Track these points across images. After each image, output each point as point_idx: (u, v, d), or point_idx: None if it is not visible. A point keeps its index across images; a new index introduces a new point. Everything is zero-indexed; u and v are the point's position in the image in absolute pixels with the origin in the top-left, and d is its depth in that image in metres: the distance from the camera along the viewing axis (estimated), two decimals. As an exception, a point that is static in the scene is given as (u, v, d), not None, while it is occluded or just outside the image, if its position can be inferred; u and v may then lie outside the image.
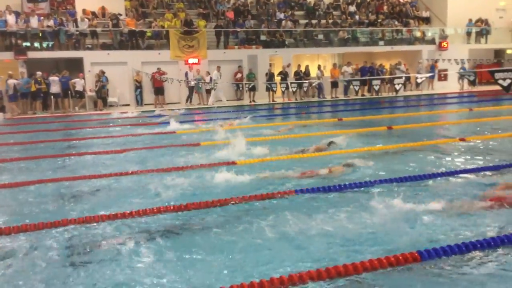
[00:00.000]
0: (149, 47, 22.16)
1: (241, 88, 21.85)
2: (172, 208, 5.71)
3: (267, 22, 24.77)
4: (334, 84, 23.06)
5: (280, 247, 4.60)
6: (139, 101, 21.20)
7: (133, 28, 21.76)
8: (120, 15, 22.48)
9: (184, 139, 11.56)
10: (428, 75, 19.26)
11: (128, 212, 5.59)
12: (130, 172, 7.84)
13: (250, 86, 21.43)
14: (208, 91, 21.48)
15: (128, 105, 21.24)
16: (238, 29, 23.84)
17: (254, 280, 3.71)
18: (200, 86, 21.12)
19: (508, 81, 6.64)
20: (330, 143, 9.34)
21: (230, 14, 24.69)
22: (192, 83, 21.00)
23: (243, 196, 6.02)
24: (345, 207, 5.57)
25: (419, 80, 14.41)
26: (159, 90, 21.01)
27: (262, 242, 4.70)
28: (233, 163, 8.21)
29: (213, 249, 4.58)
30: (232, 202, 5.87)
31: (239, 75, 22.29)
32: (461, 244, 4.28)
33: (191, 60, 21.96)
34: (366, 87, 23.50)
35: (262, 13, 25.75)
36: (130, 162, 8.89)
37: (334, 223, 5.10)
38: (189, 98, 21.48)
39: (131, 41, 21.74)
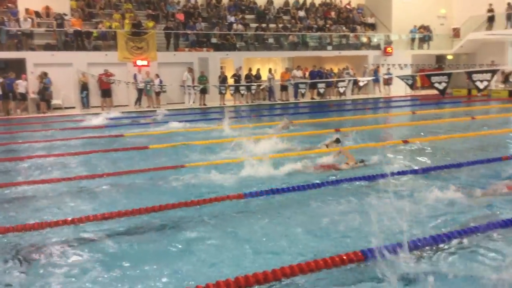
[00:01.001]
0: (96, 48, 21.55)
1: (195, 92, 21.69)
2: (114, 214, 5.56)
3: (218, 25, 24.73)
4: (284, 88, 23.35)
5: (222, 250, 4.59)
6: (85, 103, 20.56)
7: (79, 29, 21.09)
8: (66, 15, 21.74)
9: (132, 142, 11.33)
10: (369, 78, 20.02)
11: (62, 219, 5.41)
12: (73, 177, 7.59)
13: (200, 89, 21.32)
14: (158, 93, 21.17)
15: (74, 107, 20.55)
16: (189, 31, 23.65)
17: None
18: (148, 88, 20.77)
19: (444, 84, 6.97)
20: (337, 140, 9.75)
21: (180, 16, 24.45)
22: (141, 86, 20.61)
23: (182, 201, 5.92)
24: (291, 209, 5.65)
25: (361, 84, 14.89)
26: (106, 92, 20.46)
27: (200, 247, 4.69)
28: (182, 166, 8.12)
29: (146, 257, 4.53)
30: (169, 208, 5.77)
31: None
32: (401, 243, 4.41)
33: (139, 62, 21.53)
34: (315, 91, 23.92)
35: (212, 16, 25.68)
36: (73, 166, 8.61)
37: (280, 225, 5.15)
38: (138, 100, 21.07)
39: (76, 42, 21.06)
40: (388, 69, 25.72)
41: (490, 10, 27.38)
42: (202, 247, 4.69)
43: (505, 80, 24.76)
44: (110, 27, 21.92)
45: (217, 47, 23.83)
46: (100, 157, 9.45)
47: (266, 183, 6.89)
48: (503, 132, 11.83)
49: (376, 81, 25.87)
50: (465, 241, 4.59)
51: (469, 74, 6.82)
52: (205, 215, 5.62)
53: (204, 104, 21.88)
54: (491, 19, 27.51)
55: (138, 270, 4.24)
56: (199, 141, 10.97)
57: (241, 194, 6.19)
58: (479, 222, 5.03)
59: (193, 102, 21.95)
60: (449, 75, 7.12)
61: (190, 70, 21.72)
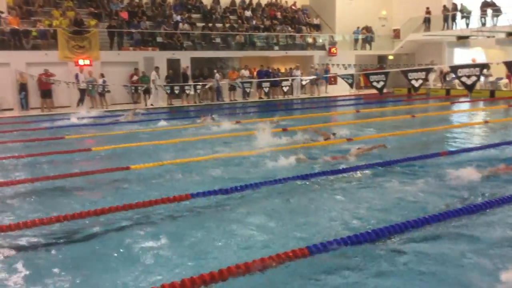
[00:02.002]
0: (35, 47, 20.59)
1: (139, 91, 21.25)
2: (53, 219, 5.34)
3: (164, 24, 24.35)
4: (233, 87, 23.36)
5: (173, 252, 4.53)
6: (24, 105, 19.63)
7: (16, 27, 20.09)
8: (2, 12, 20.62)
9: (74, 144, 10.94)
10: (311, 77, 20.46)
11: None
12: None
13: (144, 89, 20.97)
14: (102, 94, 20.56)
15: (12, 109, 19.57)
16: (133, 30, 23.14)
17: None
18: (90, 88, 20.14)
19: (382, 83, 7.22)
20: (334, 134, 10.54)
21: (124, 15, 23.87)
22: (83, 86, 19.94)
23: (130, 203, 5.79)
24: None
25: (304, 83, 15.26)
26: (46, 93, 19.61)
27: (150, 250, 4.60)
28: (127, 168, 7.92)
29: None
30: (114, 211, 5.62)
31: (135, 78, 21.64)
32: (346, 237, 4.52)
33: (81, 61, 20.79)
34: (262, 90, 24.07)
35: (158, 15, 25.26)
36: (11, 169, 8.21)
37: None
38: (81, 101, 20.36)
39: (14, 40, 20.05)
40: (316, 69, 26.33)
41: (428, 12, 28.66)
42: (147, 250, 4.59)
43: (443, 79, 25.97)
44: (50, 25, 21.04)
45: (163, 47, 23.47)
46: (40, 160, 9.06)
47: (214, 183, 6.86)
48: (441, 129, 12.39)
49: (324, 79, 26.41)
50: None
51: (405, 73, 7.09)
52: (152, 217, 5.52)
53: (151, 104, 21.50)
54: (428, 21, 28.80)
55: (80, 276, 4.11)
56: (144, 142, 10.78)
57: (188, 194, 6.11)
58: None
59: (151, 104, 21.61)
60: (386, 74, 7.37)
61: (157, 69, 21.42)
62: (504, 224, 5.01)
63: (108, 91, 20.59)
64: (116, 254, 4.56)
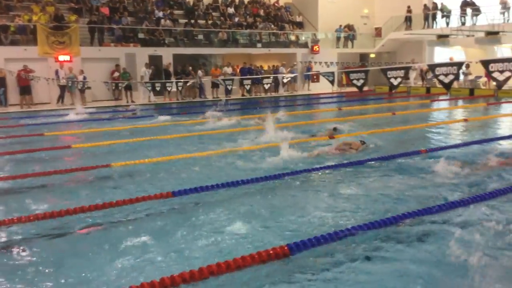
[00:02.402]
0: (14, 43, 20.22)
1: (119, 88, 21.04)
2: (32, 217, 5.27)
3: (145, 20, 24.13)
4: (215, 85, 23.26)
5: (154, 251, 4.50)
6: (3, 101, 19.28)
7: (-6, 22, 19.73)
8: (-21, 7, 20.24)
9: (54, 141, 10.79)
10: (292, 75, 20.55)
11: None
12: None
13: (124, 85, 20.80)
14: (82, 91, 20.30)
15: (-11, 105, 19.22)
16: (114, 26, 22.88)
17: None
18: (70, 85, 19.86)
19: (362, 81, 7.29)
20: (335, 128, 10.77)
21: (105, 10, 23.59)
22: (63, 82, 19.66)
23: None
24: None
25: (285, 80, 15.40)
26: (25, 89, 19.30)
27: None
28: (108, 165, 7.84)
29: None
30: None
31: (116, 74, 21.43)
32: (326, 235, 4.55)
33: (62, 57, 20.48)
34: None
35: (139, 11, 25.02)
36: None
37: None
38: (61, 98, 20.08)
39: (-9, 35, 19.68)
40: (293, 65, 26.59)
41: (409, 11, 28.98)
42: (127, 248, 4.55)
43: (424, 77, 26.30)
44: (29, 20, 20.67)
45: (145, 43, 23.28)
46: (18, 157, 8.91)
47: (197, 181, 6.83)
48: (421, 126, 12.55)
49: (307, 77, 26.54)
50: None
51: (384, 72, 7.16)
52: (133, 215, 5.48)
53: (132, 101, 21.31)
54: (410, 20, 29.13)
55: (61, 273, 4.07)
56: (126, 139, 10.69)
57: (170, 192, 6.08)
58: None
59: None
60: (366, 72, 7.45)
61: (148, 66, 21.33)
62: (482, 219, 5.09)
63: (89, 88, 20.35)
64: (96, 252, 4.51)
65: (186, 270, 3.76)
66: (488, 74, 6.68)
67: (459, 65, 6.47)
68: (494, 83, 7.11)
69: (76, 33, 20.92)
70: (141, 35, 23.37)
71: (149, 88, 19.62)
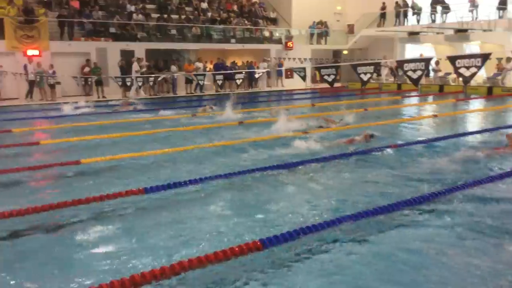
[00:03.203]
0: (-21, 36, 19.64)
1: (89, 83, 20.66)
2: (2, 214, 5.12)
3: (117, 14, 23.73)
4: (189, 80, 23.08)
5: (124, 248, 4.45)
6: (-32, 96, 18.71)
7: (-42, 14, 19.06)
8: None
9: (22, 137, 10.51)
10: (264, 70, 20.66)
11: None
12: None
13: (95, 80, 20.48)
14: (52, 86, 19.84)
15: (-46, 101, 18.59)
16: (85, 20, 22.42)
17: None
18: (38, 80, 19.39)
19: (332, 77, 7.37)
20: (340, 120, 11.49)
21: (75, 4, 23.09)
22: (32, 77, 19.18)
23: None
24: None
25: (257, 75, 15.51)
26: (-8, 85, 18.77)
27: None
28: (77, 162, 7.68)
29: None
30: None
31: (87, 69, 21.03)
32: (298, 229, 4.57)
33: (30, 52, 19.95)
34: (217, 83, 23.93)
35: (110, 5, 24.59)
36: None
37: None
38: (30, 93, 19.57)
39: (-44, 29, 19.02)
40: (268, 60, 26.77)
41: (383, 8, 29.35)
42: (97, 246, 4.48)
43: (395, 74, 26.71)
44: (-5, 13, 20.08)
45: (116, 37, 22.90)
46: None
47: (170, 177, 6.78)
48: (392, 122, 12.74)
49: (280, 74, 26.60)
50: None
51: (354, 68, 7.24)
52: (103, 212, 5.40)
53: (104, 97, 20.97)
54: (383, 16, 29.52)
55: (27, 272, 3.98)
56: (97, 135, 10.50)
57: (142, 189, 6.00)
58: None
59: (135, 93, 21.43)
60: (336, 68, 7.53)
61: (139, 60, 21.22)
62: (453, 213, 5.21)
63: (58, 83, 19.91)
64: (65, 250, 4.43)
65: (157, 267, 3.71)
66: (455, 70, 6.84)
67: (426, 61, 6.60)
68: (461, 79, 7.28)
69: (45, 27, 20.42)
70: (112, 30, 22.98)
71: (120, 83, 19.34)
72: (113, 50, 22.27)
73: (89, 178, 7.02)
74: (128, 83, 19.28)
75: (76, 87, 21.15)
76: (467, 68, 6.41)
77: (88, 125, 12.48)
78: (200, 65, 24.20)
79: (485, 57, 6.71)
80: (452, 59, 6.85)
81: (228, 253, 4.05)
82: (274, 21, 30.89)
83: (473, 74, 6.64)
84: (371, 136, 9.37)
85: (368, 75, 7.23)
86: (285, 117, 11.06)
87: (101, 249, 4.41)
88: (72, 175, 7.19)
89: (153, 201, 5.81)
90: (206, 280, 3.79)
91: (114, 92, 21.40)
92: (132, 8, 24.65)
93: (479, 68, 6.49)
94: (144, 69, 21.86)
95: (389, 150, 8.48)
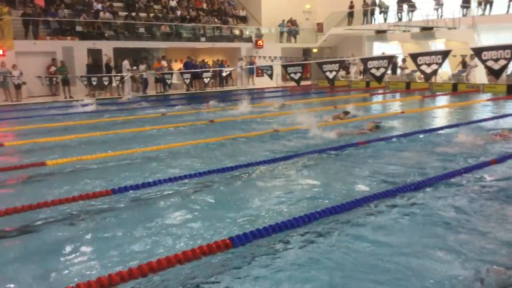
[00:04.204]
0: None
1: (55, 83, 20.21)
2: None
3: (84, 12, 23.27)
4: (159, 79, 22.84)
5: (92, 250, 4.38)
6: None
7: None
8: None
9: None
10: (231, 69, 20.73)
11: None
12: None
13: (62, 80, 20.06)
14: (18, 86, 19.31)
15: None
16: (50, 18, 21.90)
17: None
18: (1, 80, 18.84)
19: (299, 75, 7.44)
20: (347, 113, 11.89)
21: (40, 2, 22.53)
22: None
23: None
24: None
25: (224, 74, 15.59)
26: (-47, 85, 18.13)
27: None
28: (43, 163, 7.51)
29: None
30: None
31: (53, 68, 20.56)
32: (268, 227, 4.59)
33: (-7, 51, 19.40)
34: (193, 81, 23.78)
35: (77, 3, 24.09)
36: None
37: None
38: (-7, 94, 19.03)
39: None
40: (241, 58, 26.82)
41: (351, 7, 29.75)
42: (65, 249, 4.39)
43: (363, 71, 27.14)
44: (-46, 11, 19.41)
45: (83, 36, 22.46)
46: None
47: (140, 177, 6.71)
48: (361, 119, 12.91)
49: (251, 72, 26.63)
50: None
51: (320, 66, 7.33)
52: (69, 215, 5.29)
53: (71, 97, 20.55)
54: (351, 15, 29.92)
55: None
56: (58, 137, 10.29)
57: (109, 190, 5.92)
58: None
59: (129, 93, 21.42)
60: (302, 66, 7.60)
61: (130, 59, 21.23)
62: (420, 208, 5.34)
63: (24, 83, 19.40)
64: (31, 254, 4.33)
65: (125, 269, 3.68)
66: (417, 67, 7.01)
67: (389, 58, 6.74)
68: (422, 75, 7.46)
69: (9, 26, 19.82)
70: (79, 28, 22.54)
71: (85, 83, 19.02)
72: (80, 49, 21.86)
73: (55, 180, 6.89)
74: (94, 82, 18.95)
75: (42, 88, 20.65)
76: (428, 65, 6.58)
77: (58, 126, 12.24)
78: (164, 63, 23.93)
79: (445, 54, 6.90)
80: (414, 57, 7.02)
81: (197, 252, 4.04)
82: (244, 20, 30.90)
83: (434, 71, 6.83)
84: (377, 127, 10.13)
85: (334, 73, 7.33)
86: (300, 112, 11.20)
87: (67, 252, 4.33)
88: (38, 177, 7.03)
89: (121, 202, 5.73)
90: (176, 280, 3.76)
91: (81, 92, 21.01)
92: (99, 6, 24.23)
93: (439, 65, 6.66)
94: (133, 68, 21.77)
95: (355, 147, 8.61)
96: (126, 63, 21.54)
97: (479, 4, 24.41)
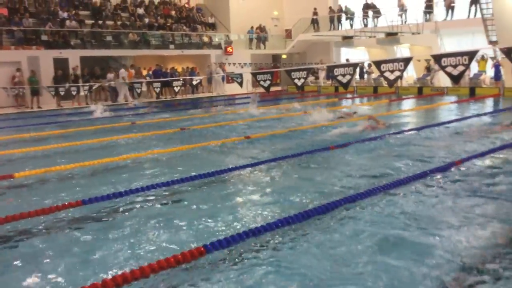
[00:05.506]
0: None
1: (21, 94, 19.76)
2: None
3: (49, 21, 22.87)
4: (130, 87, 22.64)
5: (60, 263, 4.32)
6: None
7: None
8: None
9: None
10: (202, 77, 20.88)
11: None
12: None
13: (32, 91, 19.63)
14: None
15: None
16: (14, 28, 21.42)
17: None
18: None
19: (268, 82, 7.55)
20: (355, 112, 13.13)
21: (3, 11, 22.04)
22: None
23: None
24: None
25: (194, 82, 15.71)
26: None
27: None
28: (11, 176, 7.35)
29: None
30: None
31: (17, 79, 20.10)
32: (241, 233, 4.64)
33: (-46, 62, 18.83)
34: (165, 89, 23.61)
35: (42, 11, 23.66)
36: None
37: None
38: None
39: None
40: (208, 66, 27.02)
41: (315, 13, 30.21)
42: (34, 262, 4.32)
43: (331, 77, 27.56)
44: None
45: (49, 45, 22.06)
46: None
47: (110, 187, 6.64)
48: (330, 124, 13.11)
49: (222, 79, 26.69)
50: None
51: (289, 73, 7.46)
52: (40, 227, 5.21)
53: (39, 107, 20.13)
54: (316, 22, 30.38)
55: None
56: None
57: (79, 201, 5.85)
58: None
59: (125, 100, 21.67)
60: (271, 73, 7.71)
61: (125, 67, 21.65)
62: (387, 207, 5.48)
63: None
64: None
65: (98, 281, 3.65)
66: (381, 74, 7.22)
67: (354, 66, 6.92)
68: (385, 82, 7.68)
69: (-30, 36, 19.32)
70: (44, 37, 22.13)
71: (53, 93, 18.69)
72: (46, 58, 21.45)
73: (24, 192, 6.75)
74: (62, 92, 18.65)
75: (7, 98, 20.15)
76: (391, 71, 6.80)
77: (27, 137, 11.97)
78: (124, 73, 23.36)
79: (407, 60, 7.13)
80: (377, 64, 7.23)
81: (171, 261, 4.05)
82: (213, 27, 30.97)
83: (397, 78, 7.05)
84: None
85: (302, 80, 7.47)
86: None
87: (36, 266, 4.26)
88: (5, 190, 6.88)
89: (92, 213, 5.67)
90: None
91: (47, 102, 20.59)
92: (65, 14, 23.87)
93: (402, 71, 6.89)
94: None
95: (327, 152, 8.77)
96: (122, 71, 21.66)
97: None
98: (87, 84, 19.76)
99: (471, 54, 6.67)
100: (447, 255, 4.17)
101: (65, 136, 12.22)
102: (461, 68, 6.38)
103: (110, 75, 22.82)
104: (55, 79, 20.90)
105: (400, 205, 5.58)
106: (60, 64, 21.96)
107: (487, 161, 7.59)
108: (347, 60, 25.06)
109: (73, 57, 22.49)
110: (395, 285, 3.72)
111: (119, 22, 25.87)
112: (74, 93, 18.71)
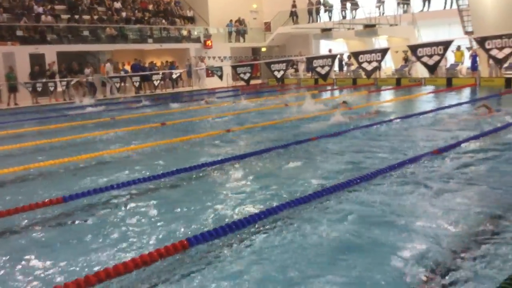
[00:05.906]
0: None
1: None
2: None
3: (24, 16, 22.41)
4: (104, 83, 22.41)
5: (43, 260, 4.30)
6: None
7: None
8: None
9: None
10: (181, 71, 20.86)
11: None
12: None
13: (9, 87, 19.27)
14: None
15: None
16: (-13, 24, 20.96)
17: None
18: None
19: (248, 75, 7.58)
20: (344, 102, 13.59)
21: (-24, 7, 21.54)
22: None
23: None
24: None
25: (174, 76, 15.76)
26: None
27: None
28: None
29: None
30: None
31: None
32: (224, 225, 4.67)
33: None
34: (144, 84, 23.40)
35: (16, 6, 23.16)
36: None
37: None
38: None
39: None
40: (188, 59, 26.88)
41: (294, 6, 30.24)
42: (16, 259, 4.28)
43: (310, 70, 27.66)
44: None
45: (25, 41, 21.63)
46: None
47: (92, 183, 6.60)
48: (313, 116, 13.19)
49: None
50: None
51: (268, 66, 7.49)
52: (21, 224, 5.16)
53: (16, 104, 19.76)
54: (295, 14, 30.42)
55: None
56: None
57: (60, 198, 5.79)
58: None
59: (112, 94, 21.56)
60: (251, 66, 7.73)
61: (111, 61, 21.33)
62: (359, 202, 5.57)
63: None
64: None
65: (81, 277, 3.64)
66: (359, 65, 7.30)
67: (332, 57, 6.99)
68: (364, 73, 7.77)
69: None
70: (19, 33, 21.67)
71: (30, 89, 18.37)
72: (22, 54, 21.03)
73: (2, 190, 6.66)
74: (39, 89, 18.33)
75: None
76: (369, 62, 6.89)
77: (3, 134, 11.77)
78: (110, 67, 23.30)
79: (384, 51, 7.23)
80: (356, 55, 7.32)
81: (154, 255, 4.05)
82: (191, 20, 30.74)
83: (375, 68, 7.14)
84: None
85: (282, 72, 7.51)
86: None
87: (16, 263, 4.22)
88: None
89: (74, 210, 5.63)
90: (136, 285, 3.77)
91: (24, 98, 20.21)
92: (40, 9, 23.41)
93: (379, 62, 6.99)
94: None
95: (309, 143, 8.84)
96: (108, 66, 21.55)
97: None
98: (65, 79, 19.46)
99: (446, 44, 6.80)
100: (427, 242, 4.26)
101: (43, 133, 12.04)
102: (436, 58, 6.50)
103: (88, 70, 22.52)
104: (31, 75, 20.52)
105: (378, 194, 5.68)
106: (37, 60, 21.55)
107: (464, 149, 7.76)
108: (330, 50, 25.14)
109: (50, 52, 22.09)
110: (373, 272, 3.80)
111: (95, 17, 25.50)
112: (51, 89, 18.43)
